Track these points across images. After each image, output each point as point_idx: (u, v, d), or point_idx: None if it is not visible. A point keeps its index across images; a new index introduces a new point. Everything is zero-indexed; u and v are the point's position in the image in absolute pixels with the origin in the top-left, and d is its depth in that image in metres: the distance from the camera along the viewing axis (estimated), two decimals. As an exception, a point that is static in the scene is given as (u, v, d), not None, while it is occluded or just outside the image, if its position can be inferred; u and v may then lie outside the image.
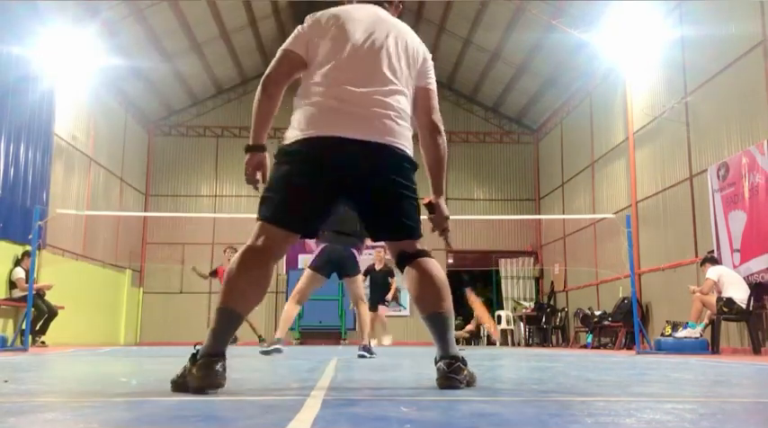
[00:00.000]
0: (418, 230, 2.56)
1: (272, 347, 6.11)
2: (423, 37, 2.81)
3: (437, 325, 2.50)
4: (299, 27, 2.59)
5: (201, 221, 16.09)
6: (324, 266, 6.30)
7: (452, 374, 2.39)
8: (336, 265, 6.33)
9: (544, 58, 14.32)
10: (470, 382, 2.50)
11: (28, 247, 9.20)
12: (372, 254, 12.19)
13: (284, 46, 2.56)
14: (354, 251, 6.31)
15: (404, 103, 2.54)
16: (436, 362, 2.48)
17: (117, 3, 11.86)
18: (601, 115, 13.80)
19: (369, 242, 5.02)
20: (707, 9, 9.86)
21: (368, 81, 2.45)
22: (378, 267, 11.74)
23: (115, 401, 2.11)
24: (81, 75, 12.46)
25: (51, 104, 11.34)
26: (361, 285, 6.62)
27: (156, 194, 16.95)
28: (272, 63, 2.52)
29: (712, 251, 9.11)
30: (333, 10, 2.61)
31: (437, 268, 2.56)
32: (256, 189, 2.58)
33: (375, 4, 2.71)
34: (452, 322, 2.55)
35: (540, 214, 17.12)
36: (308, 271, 6.32)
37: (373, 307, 11.91)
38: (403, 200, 2.49)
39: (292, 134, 2.43)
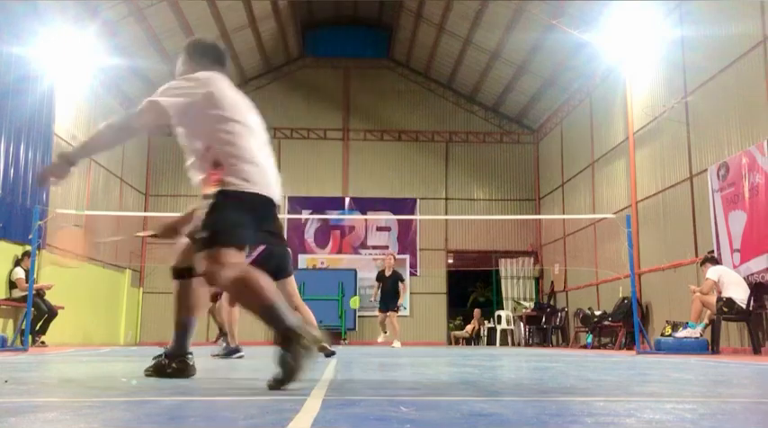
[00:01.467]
0: None
1: (236, 355, 5.99)
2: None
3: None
4: (183, 82, 3.12)
5: (201, 221, 16.04)
6: (264, 263, 6.04)
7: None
8: (277, 262, 5.89)
9: (544, 58, 14.31)
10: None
11: (28, 247, 9.20)
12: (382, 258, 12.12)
13: (159, 98, 3.04)
14: (288, 249, 6.06)
15: None
16: None
17: (117, 3, 11.85)
18: (601, 115, 13.79)
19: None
20: (707, 9, 9.86)
21: (268, 148, 3.14)
22: (387, 273, 11.63)
23: (115, 401, 2.11)
24: (81, 75, 12.45)
25: (51, 104, 11.33)
26: (295, 284, 6.17)
27: (156, 194, 16.94)
28: (143, 112, 3.05)
29: (712, 251, 9.11)
30: (205, 75, 3.16)
31: None
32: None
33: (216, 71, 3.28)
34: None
35: (540, 214, 17.11)
36: None
37: (383, 310, 11.87)
38: None
39: (241, 183, 2.89)
